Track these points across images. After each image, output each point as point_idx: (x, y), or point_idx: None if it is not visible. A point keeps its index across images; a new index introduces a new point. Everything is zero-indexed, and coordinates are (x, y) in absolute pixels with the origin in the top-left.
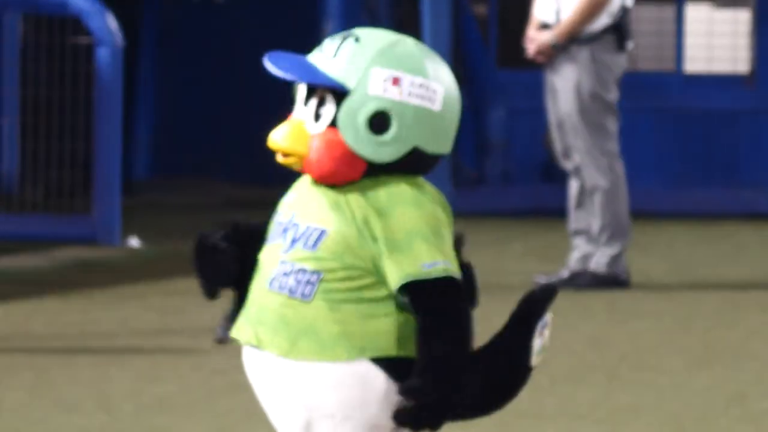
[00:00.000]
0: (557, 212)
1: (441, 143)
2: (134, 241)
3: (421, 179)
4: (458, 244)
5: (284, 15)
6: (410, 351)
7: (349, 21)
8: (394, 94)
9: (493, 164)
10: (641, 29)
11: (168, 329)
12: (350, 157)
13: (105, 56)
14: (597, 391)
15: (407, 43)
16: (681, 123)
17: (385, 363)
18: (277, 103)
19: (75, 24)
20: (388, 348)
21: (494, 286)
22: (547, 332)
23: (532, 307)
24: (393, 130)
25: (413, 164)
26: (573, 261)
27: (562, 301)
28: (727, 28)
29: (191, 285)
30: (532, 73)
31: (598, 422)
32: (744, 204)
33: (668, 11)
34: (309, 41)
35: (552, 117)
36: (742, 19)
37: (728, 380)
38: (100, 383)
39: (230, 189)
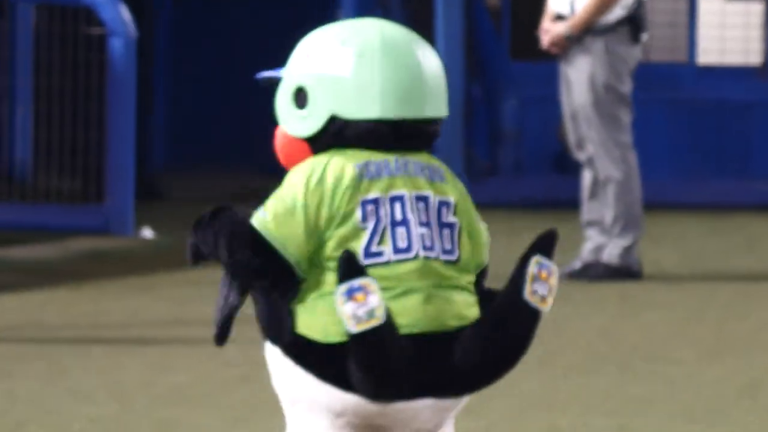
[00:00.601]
0: (570, 203)
1: (364, 107)
2: (147, 232)
3: (335, 152)
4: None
5: (300, 7)
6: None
7: (363, 13)
8: (307, 68)
9: (505, 155)
10: (655, 21)
11: (180, 320)
12: (292, 141)
13: (118, 47)
14: (609, 382)
15: (353, 21)
16: (694, 114)
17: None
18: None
19: (88, 14)
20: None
21: (506, 276)
22: (553, 280)
23: (529, 247)
24: (309, 103)
25: (342, 134)
26: (585, 252)
27: (575, 292)
28: (740, 20)
29: (203, 275)
30: (545, 64)
31: (610, 413)
32: (756, 195)
33: (681, 3)
34: None
35: (565, 108)
36: (754, 11)
37: (740, 371)
38: (113, 373)
39: (244, 180)
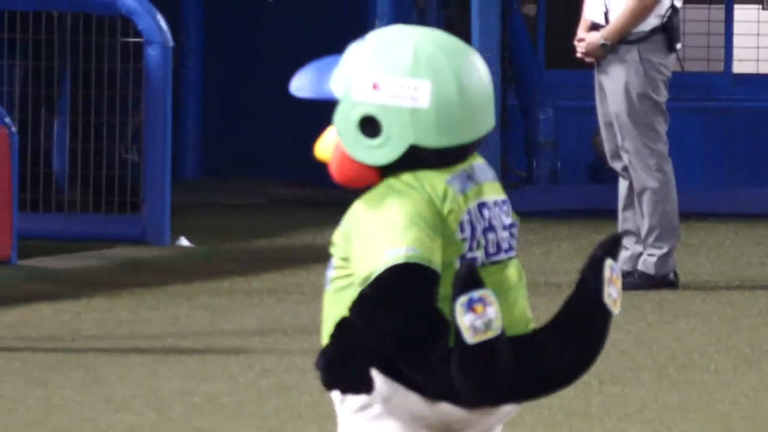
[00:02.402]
0: (606, 212)
1: (443, 136)
2: (184, 241)
3: (418, 173)
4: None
5: (334, 14)
6: None
7: (400, 21)
8: (376, 98)
9: (541, 164)
10: (690, 30)
11: (217, 329)
12: (354, 163)
13: (154, 56)
14: (645, 390)
15: (408, 40)
16: (729, 124)
17: None
18: (322, 102)
19: (124, 23)
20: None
21: (543, 286)
22: (618, 282)
23: (599, 250)
24: (383, 134)
25: (419, 160)
26: (621, 261)
27: None
28: None
29: (240, 285)
30: (580, 73)
31: (647, 422)
32: None
33: (717, 12)
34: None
35: (601, 117)
36: None
37: None
38: (150, 382)
39: (279, 188)
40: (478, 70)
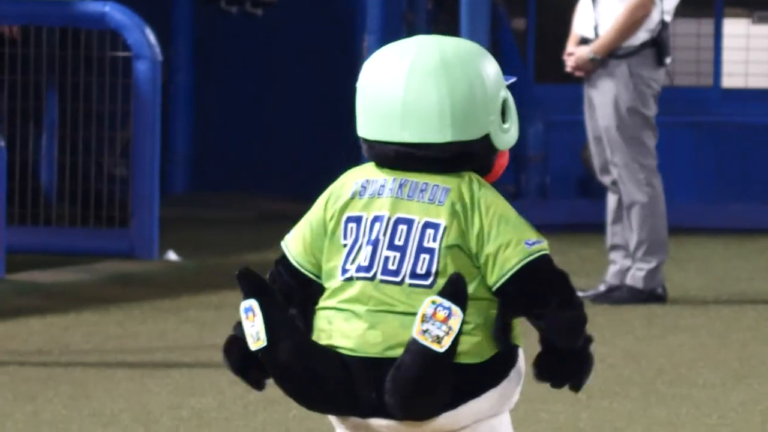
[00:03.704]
0: (595, 226)
1: (359, 125)
2: (172, 255)
3: (364, 167)
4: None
5: (323, 28)
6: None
7: (389, 34)
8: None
9: (530, 178)
10: (679, 44)
11: (205, 343)
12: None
13: (143, 70)
14: (634, 405)
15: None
16: (718, 138)
17: None
18: (312, 116)
19: (113, 38)
20: None
21: None
22: (449, 319)
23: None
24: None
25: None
26: (610, 275)
27: (599, 315)
28: (765, 43)
29: (229, 299)
30: (569, 87)
31: None
32: None
33: (706, 26)
34: (348, 55)
35: (590, 132)
36: None
37: (765, 395)
38: (138, 396)
39: (267, 203)
40: (398, 75)
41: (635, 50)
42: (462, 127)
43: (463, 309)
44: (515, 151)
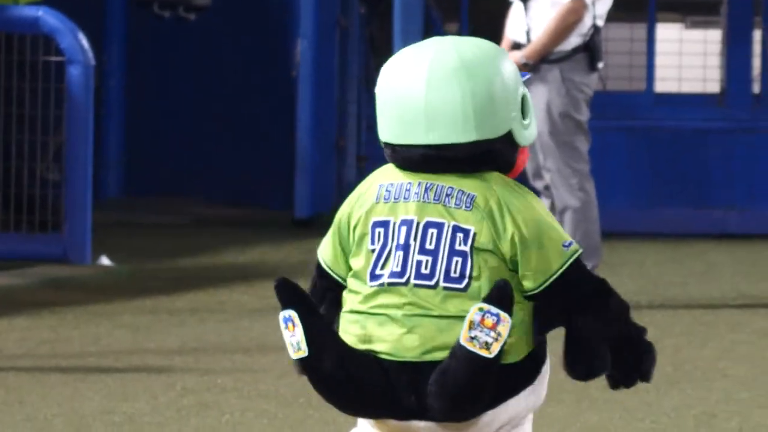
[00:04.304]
0: None
1: (380, 129)
2: (105, 260)
3: (387, 169)
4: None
5: (257, 33)
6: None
7: (322, 39)
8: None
9: None
10: (612, 49)
11: (139, 348)
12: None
13: (76, 75)
14: (567, 410)
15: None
16: (651, 143)
17: None
18: (245, 121)
19: (46, 42)
20: None
21: None
22: (497, 326)
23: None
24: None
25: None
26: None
27: None
28: (698, 47)
29: (162, 304)
30: None
31: None
32: (714, 224)
33: (639, 31)
34: (281, 60)
35: None
36: (712, 38)
37: (698, 400)
38: (71, 401)
39: (201, 208)
40: (418, 78)
41: (567, 55)
42: (486, 125)
43: (511, 314)
44: None
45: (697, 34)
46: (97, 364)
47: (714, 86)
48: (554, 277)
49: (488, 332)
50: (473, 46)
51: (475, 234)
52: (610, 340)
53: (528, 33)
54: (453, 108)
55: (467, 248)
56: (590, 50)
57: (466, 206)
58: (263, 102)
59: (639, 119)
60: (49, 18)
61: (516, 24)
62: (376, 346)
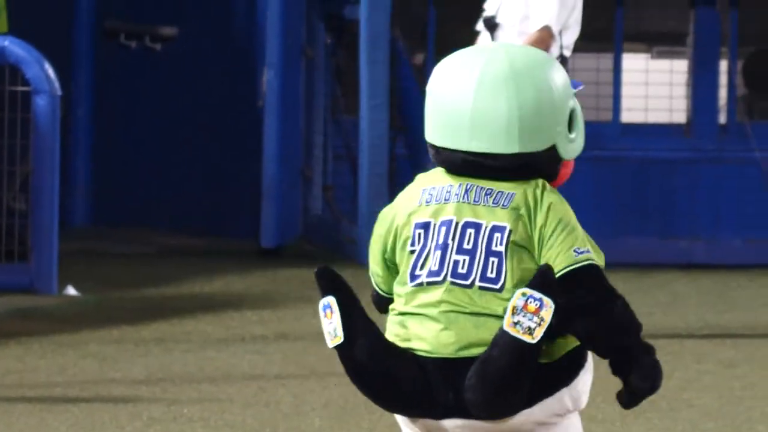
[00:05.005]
0: None
1: (427, 131)
2: (72, 290)
3: (429, 175)
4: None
5: (223, 62)
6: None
7: (288, 68)
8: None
9: None
10: (579, 79)
11: (105, 378)
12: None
13: (42, 105)
14: None
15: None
16: (618, 173)
17: None
18: (212, 151)
19: (12, 72)
20: None
21: None
22: (540, 311)
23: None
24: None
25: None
26: None
27: None
28: (664, 78)
29: (128, 334)
30: None
31: None
32: (680, 254)
33: (605, 61)
34: (248, 89)
35: None
36: (678, 68)
37: (663, 430)
38: (38, 431)
39: (167, 238)
40: (468, 85)
41: None
42: (530, 138)
43: (554, 300)
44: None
45: (663, 64)
46: (63, 394)
47: (680, 116)
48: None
49: (531, 317)
50: (525, 55)
51: (510, 231)
52: (608, 350)
53: None
54: (498, 119)
55: (503, 248)
56: None
57: (503, 205)
58: (230, 132)
59: (606, 149)
60: (15, 48)
61: None
62: (415, 344)
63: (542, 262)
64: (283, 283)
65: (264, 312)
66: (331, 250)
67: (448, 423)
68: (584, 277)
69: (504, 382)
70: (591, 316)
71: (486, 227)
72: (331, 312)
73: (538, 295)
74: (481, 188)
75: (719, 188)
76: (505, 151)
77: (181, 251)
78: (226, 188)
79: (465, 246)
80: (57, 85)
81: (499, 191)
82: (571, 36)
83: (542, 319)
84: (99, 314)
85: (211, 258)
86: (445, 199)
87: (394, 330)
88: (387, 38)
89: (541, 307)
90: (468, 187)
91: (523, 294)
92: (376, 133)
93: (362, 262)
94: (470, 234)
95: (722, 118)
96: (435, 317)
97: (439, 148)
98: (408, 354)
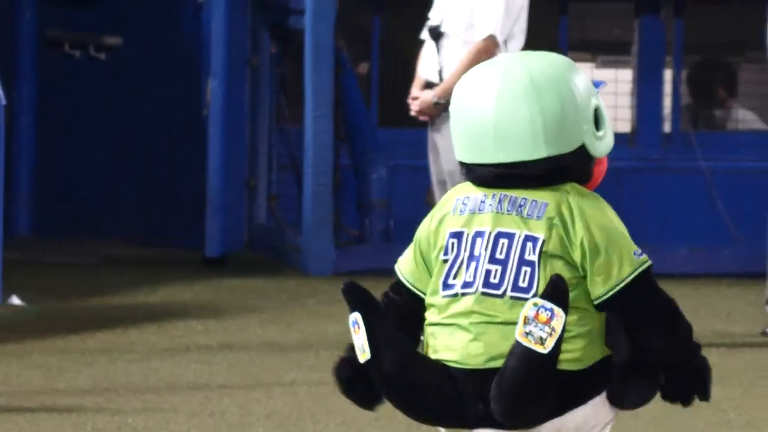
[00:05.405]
0: None
1: (456, 150)
2: (15, 300)
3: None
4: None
5: (168, 72)
6: None
7: (233, 78)
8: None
9: (374, 223)
10: None
11: (50, 388)
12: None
13: None
14: None
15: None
16: None
17: None
18: (156, 161)
19: None
20: None
21: None
22: (551, 321)
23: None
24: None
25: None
26: None
27: None
28: (609, 87)
29: (73, 344)
30: (413, 131)
31: None
32: None
33: None
34: (192, 99)
35: (434, 176)
36: (623, 78)
37: None
38: None
39: (112, 248)
40: (488, 97)
41: None
42: (556, 142)
43: (565, 309)
44: (358, 197)
45: (607, 73)
46: (7, 404)
47: (625, 126)
48: (623, 283)
49: (542, 327)
50: (544, 62)
51: (544, 241)
52: (671, 362)
53: (440, 72)
54: (522, 126)
55: (536, 257)
56: None
57: (537, 216)
58: (174, 141)
59: None
60: None
61: (428, 63)
62: (446, 355)
63: (599, 271)
64: (228, 293)
65: (209, 322)
66: (276, 260)
67: None
68: (645, 282)
69: (521, 392)
70: (664, 337)
71: (519, 237)
72: (359, 328)
73: (549, 305)
74: (515, 198)
75: (664, 197)
76: (532, 157)
77: (126, 261)
78: (170, 198)
79: (497, 256)
80: (1, 93)
81: (533, 200)
82: (516, 45)
83: (553, 329)
84: (43, 324)
85: (156, 268)
86: (479, 210)
87: (428, 341)
88: (331, 48)
89: (552, 317)
90: (501, 197)
91: (535, 304)
92: (321, 142)
93: (307, 271)
94: (503, 244)
95: (667, 127)
96: (466, 327)
97: (470, 165)
98: (438, 365)
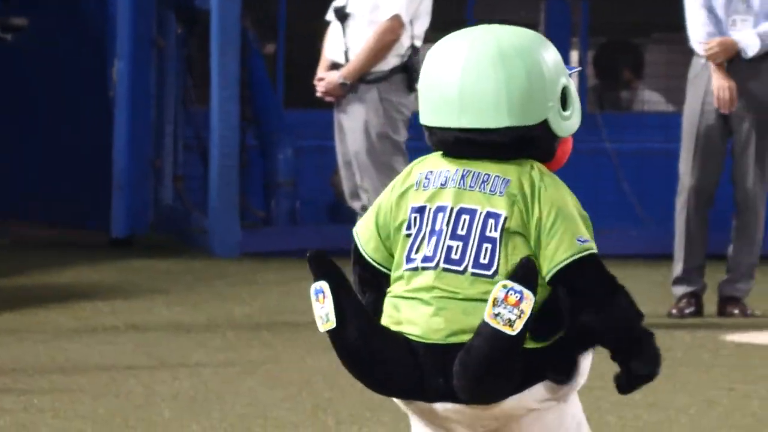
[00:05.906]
0: (345, 252)
1: (421, 113)
2: None
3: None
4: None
5: (73, 53)
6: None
7: (138, 59)
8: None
9: (280, 204)
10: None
11: None
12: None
13: None
14: (384, 430)
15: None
16: None
17: None
18: (62, 141)
19: None
20: None
21: (282, 325)
22: (520, 303)
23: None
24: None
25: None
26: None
27: None
28: None
29: (17, 320)
30: (319, 112)
31: None
32: None
33: None
34: (99, 80)
35: (340, 157)
36: None
37: None
38: None
39: (20, 228)
40: (455, 63)
41: (385, 76)
42: (519, 112)
43: (534, 292)
44: (264, 178)
45: None
46: None
47: None
48: (559, 266)
49: (511, 309)
50: (514, 34)
51: (506, 218)
52: (613, 341)
53: (346, 53)
54: (486, 93)
55: (497, 234)
56: (408, 71)
57: (500, 192)
58: (80, 122)
59: None
60: None
61: (334, 44)
62: (407, 328)
63: (544, 251)
64: (134, 274)
65: (115, 302)
66: (182, 241)
67: (440, 406)
68: (587, 266)
69: (486, 371)
70: (599, 313)
71: (481, 213)
72: (324, 297)
73: (518, 287)
74: (478, 174)
75: (571, 178)
76: (494, 125)
77: (32, 242)
78: (76, 179)
79: (459, 232)
80: None
81: (495, 176)
82: (421, 26)
83: (522, 312)
84: None
85: (63, 248)
86: (441, 185)
87: (388, 312)
88: (238, 29)
89: (521, 299)
90: (465, 172)
91: (504, 286)
92: (227, 123)
93: (213, 253)
94: (465, 220)
95: None
96: (427, 302)
97: (432, 128)
98: (400, 338)
